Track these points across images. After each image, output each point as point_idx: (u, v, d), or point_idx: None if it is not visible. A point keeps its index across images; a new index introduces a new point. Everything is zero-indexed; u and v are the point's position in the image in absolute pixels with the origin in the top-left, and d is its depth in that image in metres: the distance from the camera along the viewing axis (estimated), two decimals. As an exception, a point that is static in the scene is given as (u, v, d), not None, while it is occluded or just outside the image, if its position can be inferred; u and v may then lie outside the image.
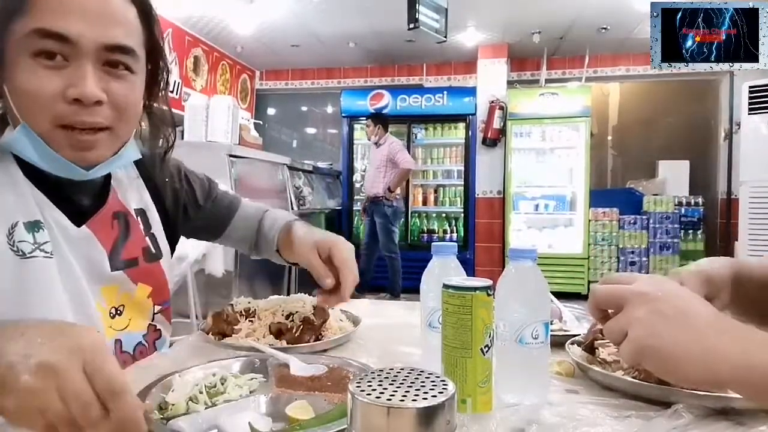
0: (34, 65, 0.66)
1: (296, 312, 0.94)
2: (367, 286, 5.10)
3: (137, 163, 0.90)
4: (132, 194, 0.89)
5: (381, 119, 5.33)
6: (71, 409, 0.45)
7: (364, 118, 5.51)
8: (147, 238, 0.89)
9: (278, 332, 0.90)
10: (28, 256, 0.70)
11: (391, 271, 5.16)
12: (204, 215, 1.06)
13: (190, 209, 1.03)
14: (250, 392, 0.70)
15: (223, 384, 0.68)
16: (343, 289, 0.87)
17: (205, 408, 0.64)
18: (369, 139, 5.34)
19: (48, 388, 0.45)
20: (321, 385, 0.70)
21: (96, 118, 0.70)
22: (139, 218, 0.89)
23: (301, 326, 0.91)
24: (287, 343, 0.88)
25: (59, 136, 0.69)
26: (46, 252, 0.72)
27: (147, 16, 0.77)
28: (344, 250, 0.89)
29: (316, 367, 0.74)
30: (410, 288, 4.77)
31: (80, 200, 0.80)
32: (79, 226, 0.78)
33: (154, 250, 0.90)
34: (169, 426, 0.58)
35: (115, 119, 0.72)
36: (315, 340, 0.91)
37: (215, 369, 0.73)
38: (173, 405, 0.63)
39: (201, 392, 0.65)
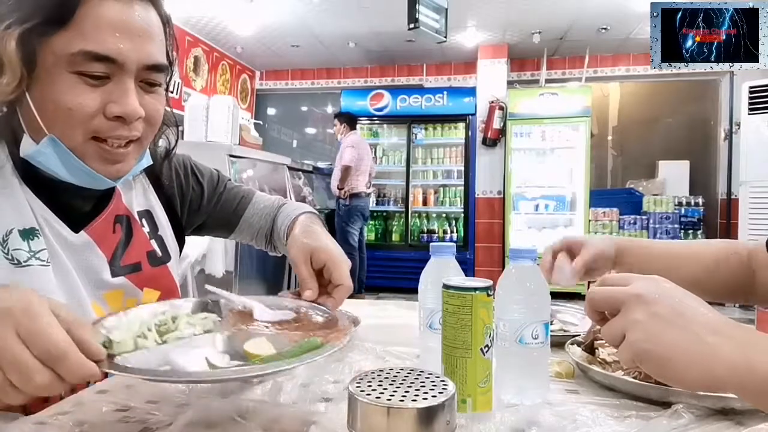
0: (76, 82, 0.66)
1: None
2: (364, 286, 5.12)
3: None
4: (137, 196, 0.88)
5: (345, 116, 5.38)
6: (11, 378, 0.43)
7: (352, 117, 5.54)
8: (153, 241, 0.87)
9: None
10: (23, 264, 0.69)
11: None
12: (214, 210, 1.03)
13: (198, 205, 1.01)
14: (204, 332, 0.65)
15: (174, 322, 0.64)
16: (336, 296, 0.79)
17: (157, 345, 0.59)
18: (337, 138, 5.41)
19: None
20: (287, 331, 0.66)
21: (132, 132, 0.71)
22: (143, 221, 0.87)
23: None
24: None
25: (91, 149, 0.69)
26: (42, 260, 0.70)
27: (169, 28, 0.78)
28: (344, 269, 0.81)
29: (283, 312, 0.70)
30: (410, 288, 4.78)
31: (80, 206, 0.79)
32: (77, 231, 0.76)
33: (160, 254, 0.88)
34: (116, 363, 0.53)
35: (145, 131, 0.74)
36: None
37: (165, 308, 0.69)
38: (119, 342, 0.56)
39: (150, 330, 0.61)
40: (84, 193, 0.78)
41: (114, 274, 0.79)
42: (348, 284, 0.79)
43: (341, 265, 0.80)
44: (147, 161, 0.82)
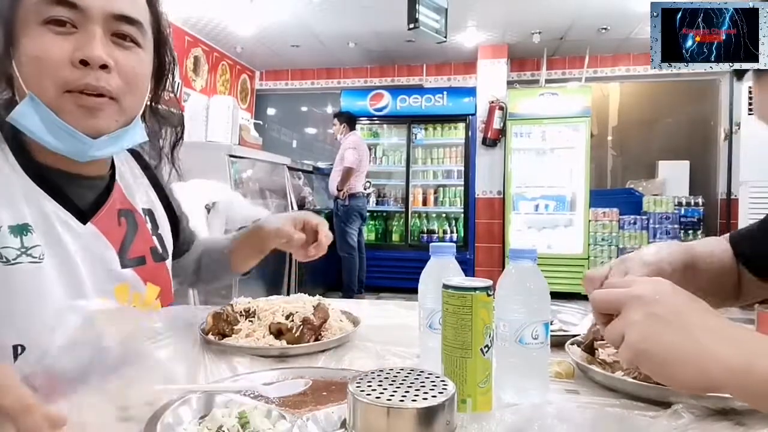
0: (43, 31, 0.67)
1: (296, 312, 0.93)
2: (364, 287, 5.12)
3: (144, 164, 0.90)
4: (139, 193, 0.89)
5: (345, 116, 5.37)
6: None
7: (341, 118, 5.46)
8: (154, 238, 0.89)
9: (278, 332, 0.90)
10: (12, 262, 0.67)
11: (345, 271, 5.13)
12: (184, 228, 1.06)
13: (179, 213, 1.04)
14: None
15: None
16: (321, 239, 1.00)
17: None
18: (336, 138, 5.38)
19: None
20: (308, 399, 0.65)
21: (101, 83, 0.70)
22: (147, 218, 0.88)
23: (301, 326, 0.91)
24: (287, 343, 0.88)
25: (66, 101, 0.69)
26: (34, 257, 0.69)
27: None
28: (316, 217, 1.02)
29: (295, 382, 0.69)
30: (410, 288, 4.77)
31: (82, 196, 0.78)
32: (84, 223, 0.76)
33: (160, 250, 0.89)
34: None
35: (121, 90, 0.73)
36: (314, 340, 0.91)
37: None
38: None
39: None
40: (85, 183, 0.78)
41: (123, 266, 0.80)
42: (324, 226, 1.01)
43: (310, 214, 1.02)
44: (141, 136, 0.81)
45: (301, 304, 0.97)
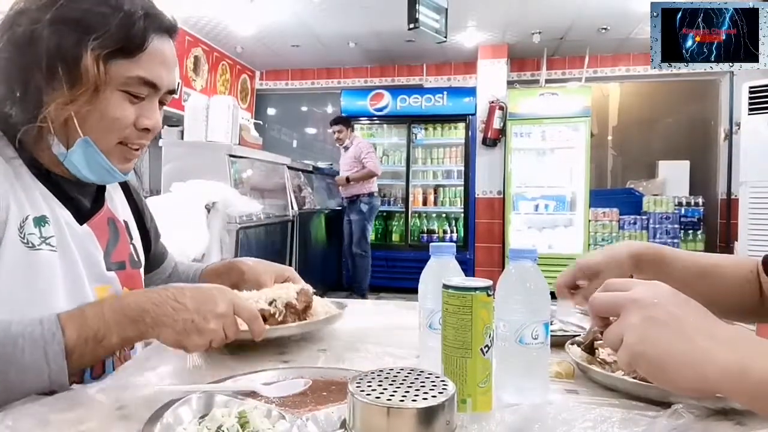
0: (123, 98, 0.79)
1: (279, 298, 0.92)
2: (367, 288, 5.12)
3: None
4: (119, 205, 0.97)
5: (344, 120, 5.40)
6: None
7: (333, 125, 5.43)
8: (131, 246, 0.96)
9: (261, 318, 0.87)
10: (36, 248, 0.75)
11: (360, 270, 5.18)
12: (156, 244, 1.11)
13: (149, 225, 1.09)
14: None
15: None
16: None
17: None
18: (339, 145, 5.37)
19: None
20: (308, 398, 0.66)
21: (143, 140, 0.85)
22: (125, 227, 0.96)
23: (284, 311, 0.90)
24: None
25: (117, 151, 0.82)
26: (52, 246, 0.77)
27: None
28: (300, 279, 1.07)
29: (295, 382, 0.70)
30: (410, 288, 4.77)
31: (81, 201, 0.86)
32: (81, 224, 0.84)
33: (136, 258, 0.96)
34: None
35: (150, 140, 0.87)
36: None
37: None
38: None
39: None
40: (84, 191, 0.87)
41: (108, 268, 0.87)
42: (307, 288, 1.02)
43: (298, 277, 1.09)
44: None
45: (284, 290, 0.95)
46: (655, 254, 0.92)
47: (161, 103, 0.86)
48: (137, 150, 0.85)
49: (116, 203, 0.96)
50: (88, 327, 0.68)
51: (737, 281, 0.89)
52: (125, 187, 1.02)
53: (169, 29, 0.83)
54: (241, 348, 0.87)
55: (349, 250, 5.26)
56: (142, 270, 0.99)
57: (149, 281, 1.08)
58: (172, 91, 0.86)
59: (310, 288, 1.00)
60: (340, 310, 1.01)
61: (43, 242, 0.76)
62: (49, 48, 0.73)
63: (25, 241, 0.75)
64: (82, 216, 0.84)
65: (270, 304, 0.91)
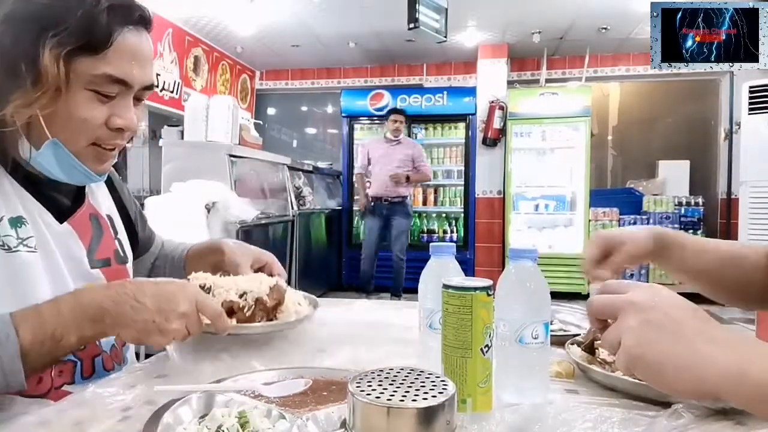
0: (90, 98, 0.75)
1: (250, 291, 0.89)
2: (373, 288, 5.08)
3: None
4: (102, 200, 0.94)
5: (406, 114, 5.22)
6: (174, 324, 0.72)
7: (373, 115, 5.35)
8: (116, 242, 0.94)
9: (229, 311, 0.86)
10: (13, 250, 0.73)
11: (399, 273, 5.02)
12: (142, 231, 1.09)
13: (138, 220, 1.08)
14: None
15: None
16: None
17: None
18: (390, 136, 4.92)
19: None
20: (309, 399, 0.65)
21: (118, 140, 0.81)
22: (109, 222, 0.94)
23: (253, 306, 0.88)
24: (237, 323, 0.85)
25: (89, 152, 0.79)
26: (30, 247, 0.75)
27: None
28: (280, 268, 1.09)
29: (295, 382, 0.69)
30: (409, 288, 4.76)
31: (60, 200, 0.84)
32: (61, 222, 0.82)
33: (122, 254, 0.94)
34: None
35: (126, 137, 0.83)
36: (267, 321, 0.89)
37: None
38: None
39: None
40: (62, 189, 0.84)
41: (91, 266, 0.85)
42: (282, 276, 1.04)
43: (279, 266, 1.10)
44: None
45: (257, 282, 0.93)
46: (676, 237, 0.90)
47: (138, 99, 0.82)
48: (112, 150, 0.81)
49: (98, 198, 0.93)
50: (45, 327, 0.66)
51: (760, 268, 0.87)
52: (107, 178, 0.98)
53: (141, 21, 0.78)
54: (241, 348, 0.87)
55: (369, 250, 5.00)
56: (129, 265, 0.96)
57: (137, 266, 1.06)
58: (149, 87, 0.82)
59: (284, 284, 0.97)
60: (312, 307, 0.99)
61: (20, 243, 0.74)
62: (5, 46, 0.69)
63: (1, 243, 0.72)
64: (62, 214, 0.82)
65: (241, 296, 0.89)
